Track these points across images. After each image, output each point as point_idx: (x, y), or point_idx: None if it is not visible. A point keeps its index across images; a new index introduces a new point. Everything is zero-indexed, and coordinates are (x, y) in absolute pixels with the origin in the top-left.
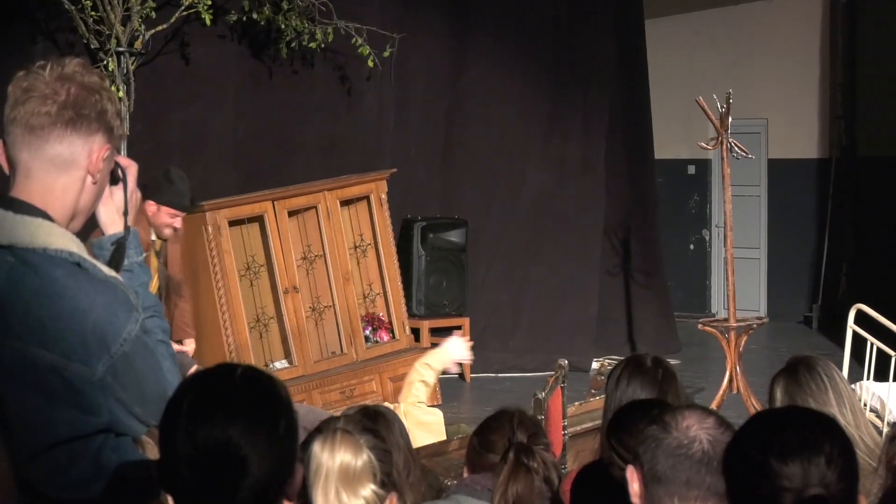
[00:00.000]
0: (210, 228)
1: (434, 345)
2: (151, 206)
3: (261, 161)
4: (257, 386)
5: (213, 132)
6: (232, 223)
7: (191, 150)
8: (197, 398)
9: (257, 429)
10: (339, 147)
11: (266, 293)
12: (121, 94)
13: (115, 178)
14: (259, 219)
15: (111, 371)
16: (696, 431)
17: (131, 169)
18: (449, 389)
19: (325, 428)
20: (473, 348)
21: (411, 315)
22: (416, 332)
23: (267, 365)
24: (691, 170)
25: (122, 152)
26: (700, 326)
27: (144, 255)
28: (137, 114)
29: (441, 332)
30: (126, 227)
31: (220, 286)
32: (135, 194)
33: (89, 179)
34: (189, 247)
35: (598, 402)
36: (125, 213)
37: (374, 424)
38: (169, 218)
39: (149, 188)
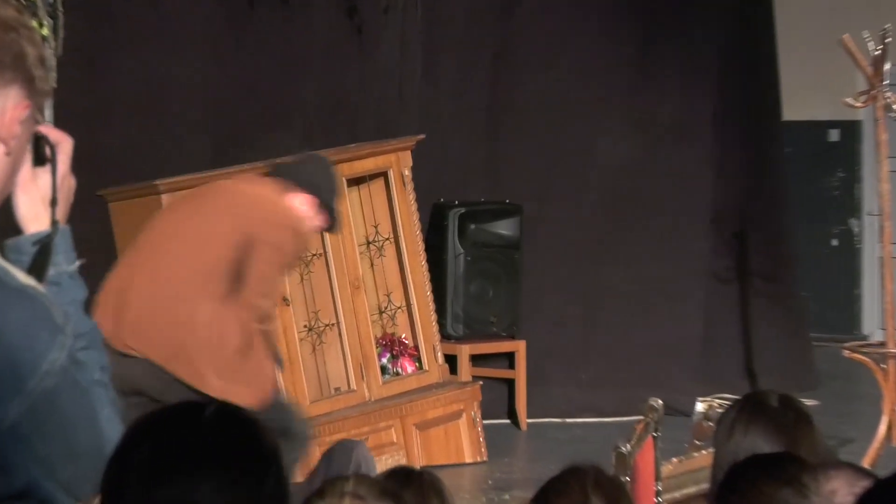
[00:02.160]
0: None
1: (476, 378)
2: (311, 204)
3: (240, 125)
4: (234, 431)
5: (176, 86)
6: None
7: (145, 111)
8: (152, 449)
9: (234, 490)
10: (347, 106)
11: None
12: (45, 31)
13: (40, 156)
14: None
15: (28, 415)
16: (844, 497)
17: (64, 145)
18: (498, 440)
19: (330, 491)
20: (530, 382)
21: (445, 337)
22: (451, 361)
23: None
24: (834, 136)
25: (48, 113)
26: (847, 353)
27: (79, 263)
28: (70, 60)
29: (486, 361)
30: (54, 223)
31: None
32: (67, 180)
33: (1, 148)
34: None
35: (704, 457)
36: (53, 204)
37: (401, 489)
38: (318, 227)
39: (310, 177)
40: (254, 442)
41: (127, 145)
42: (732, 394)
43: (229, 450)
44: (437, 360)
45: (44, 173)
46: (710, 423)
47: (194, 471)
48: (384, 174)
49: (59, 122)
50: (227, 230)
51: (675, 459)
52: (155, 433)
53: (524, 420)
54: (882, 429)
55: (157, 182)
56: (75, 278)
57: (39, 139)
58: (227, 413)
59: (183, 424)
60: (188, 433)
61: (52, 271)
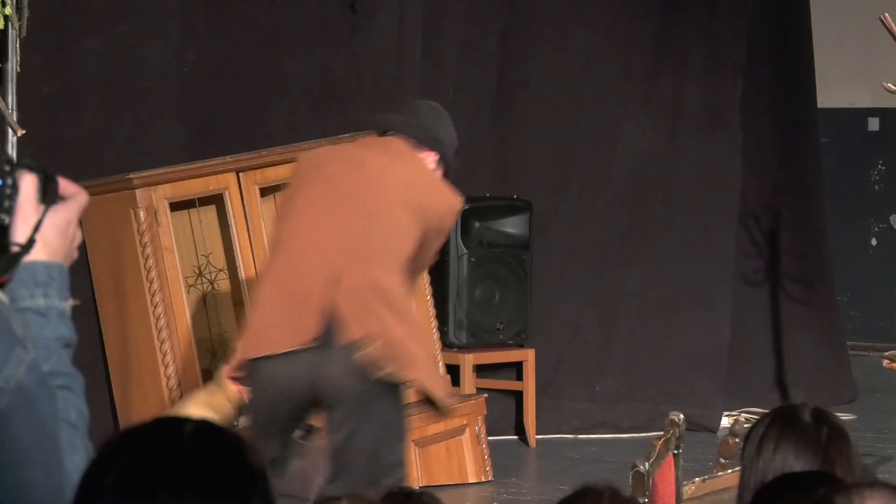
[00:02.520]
0: (142, 213)
1: (481, 390)
2: (435, 161)
3: (219, 112)
4: (217, 450)
5: (148, 69)
6: (176, 205)
7: (115, 96)
8: (127, 470)
9: None
10: (338, 91)
11: (227, 311)
12: (8, 10)
13: (46, 193)
14: (217, 199)
15: None
16: None
17: (79, 198)
18: (505, 458)
19: None
20: (540, 395)
21: (447, 345)
22: (454, 372)
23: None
24: (873, 125)
25: (11, 99)
26: (886, 363)
27: (72, 303)
28: (34, 41)
29: (492, 371)
30: (31, 240)
31: (156, 300)
32: (72, 227)
33: None
34: (111, 241)
35: (730, 476)
36: (36, 227)
37: None
38: None
39: (433, 132)
40: (239, 460)
41: (96, 134)
42: (762, 407)
43: (212, 468)
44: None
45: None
46: (737, 440)
47: (175, 491)
48: None
49: (23, 110)
50: (412, 235)
51: (698, 479)
52: (131, 452)
53: (533, 436)
54: None
55: (131, 176)
56: (65, 318)
57: (48, 178)
58: (210, 429)
59: (161, 443)
60: (168, 450)
61: (41, 302)
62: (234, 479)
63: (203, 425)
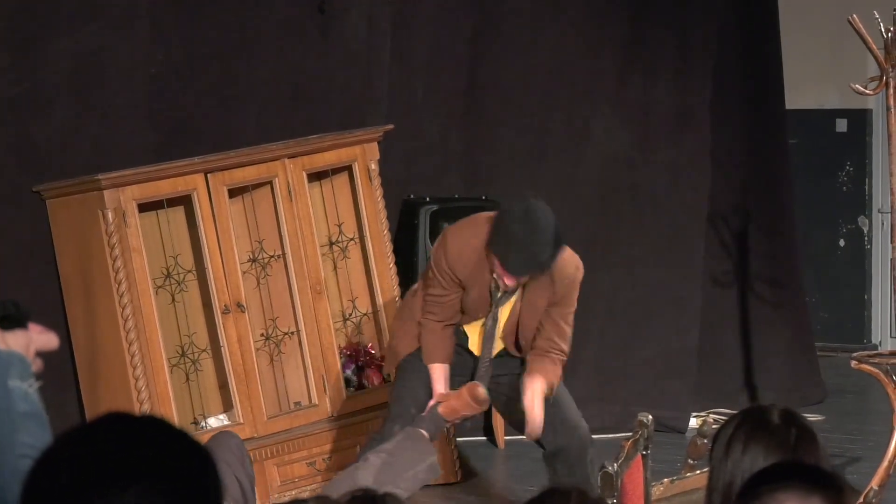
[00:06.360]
0: (110, 214)
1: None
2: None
3: (188, 113)
4: (166, 435)
5: (116, 69)
6: (144, 206)
7: (83, 96)
8: (79, 465)
9: (171, 494)
10: (307, 92)
11: (196, 313)
12: None
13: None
14: (185, 200)
15: None
16: None
17: (48, 339)
18: (474, 460)
19: None
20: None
21: None
22: None
23: (196, 422)
24: (841, 126)
25: None
26: (854, 364)
27: (35, 384)
28: (2, 42)
29: None
30: None
31: (125, 302)
32: (31, 349)
33: None
34: (79, 242)
35: (698, 477)
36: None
37: None
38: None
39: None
40: (187, 443)
41: (64, 135)
42: (730, 409)
43: (164, 451)
44: None
45: (12, 335)
46: (706, 441)
47: (128, 473)
48: (348, 168)
49: None
50: None
51: (666, 480)
52: (82, 447)
53: (501, 437)
54: (892, 447)
55: (100, 177)
56: (28, 397)
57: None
58: (158, 419)
59: (112, 437)
60: (121, 437)
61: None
62: (185, 461)
63: (151, 417)
